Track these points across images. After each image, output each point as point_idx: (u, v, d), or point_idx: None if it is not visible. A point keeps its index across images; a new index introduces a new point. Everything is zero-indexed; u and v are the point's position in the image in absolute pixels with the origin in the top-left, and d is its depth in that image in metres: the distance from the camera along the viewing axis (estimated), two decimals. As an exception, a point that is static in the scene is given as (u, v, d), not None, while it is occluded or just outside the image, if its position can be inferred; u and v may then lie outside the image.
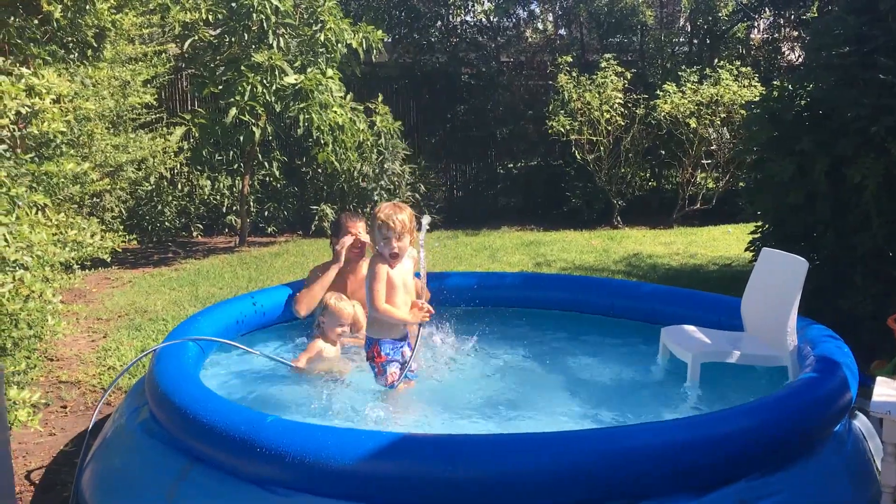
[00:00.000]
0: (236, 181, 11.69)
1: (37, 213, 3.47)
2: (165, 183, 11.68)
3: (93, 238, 6.49)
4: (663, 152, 12.70)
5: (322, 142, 9.76)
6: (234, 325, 4.88)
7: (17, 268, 3.13)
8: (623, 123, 11.83)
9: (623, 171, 12.31)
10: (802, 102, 5.70)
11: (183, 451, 3.22)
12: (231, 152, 11.16)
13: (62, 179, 4.87)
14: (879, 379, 3.66)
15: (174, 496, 3.12)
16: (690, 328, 4.45)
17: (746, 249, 6.38)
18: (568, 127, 11.69)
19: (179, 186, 11.93)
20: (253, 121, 9.10)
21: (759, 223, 6.33)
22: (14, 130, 3.42)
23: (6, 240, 2.73)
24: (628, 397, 4.18)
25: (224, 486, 3.02)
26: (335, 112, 9.67)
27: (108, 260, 5.79)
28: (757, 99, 8.20)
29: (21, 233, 3.06)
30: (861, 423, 3.71)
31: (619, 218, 12.52)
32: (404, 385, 4.27)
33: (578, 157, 11.98)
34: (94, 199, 7.58)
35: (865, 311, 5.37)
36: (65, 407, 5.10)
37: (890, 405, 3.30)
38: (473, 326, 5.18)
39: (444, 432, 3.52)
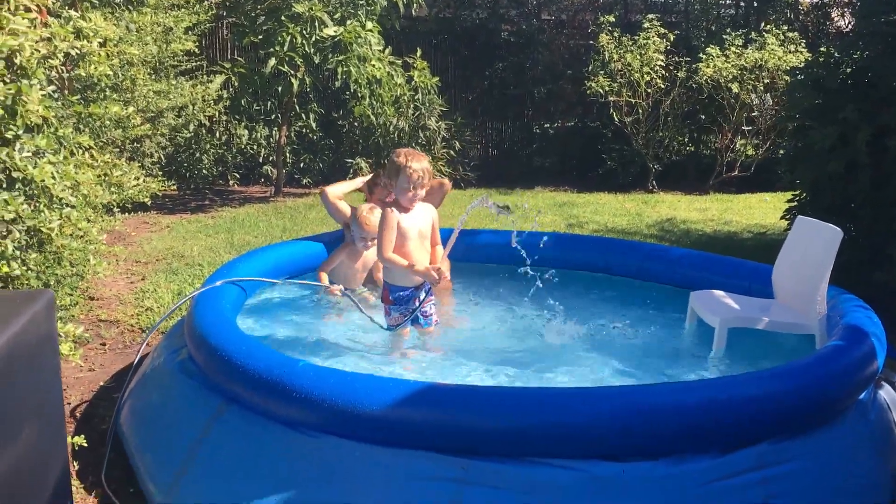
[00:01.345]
0: (273, 131, 11.76)
1: (83, 154, 3.55)
2: (204, 131, 11.79)
3: (136, 181, 6.64)
4: (703, 117, 12.52)
5: (359, 95, 9.78)
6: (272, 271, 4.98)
7: (64, 206, 3.23)
8: (663, 86, 11.67)
9: (661, 134, 12.17)
10: (848, 70, 5.60)
11: (218, 392, 3.33)
12: (269, 103, 11.23)
13: (106, 122, 4.96)
14: (903, 350, 3.67)
15: (208, 434, 3.24)
16: (719, 293, 4.46)
17: (782, 218, 6.33)
18: (607, 88, 11.57)
19: (217, 135, 12.03)
20: (292, 72, 9.14)
21: (797, 192, 6.27)
22: (62, 72, 3.49)
23: (54, 177, 2.81)
24: (654, 359, 4.21)
25: (255, 426, 3.13)
26: (373, 66, 9.66)
27: (148, 204, 5.90)
28: (802, 65, 8.06)
29: (67, 172, 3.14)
30: (887, 393, 3.72)
31: (654, 182, 12.41)
32: (428, 330, 4.38)
33: (616, 119, 11.87)
34: (135, 145, 7.68)
35: (900, 284, 5.33)
36: (104, 344, 5.26)
37: (910, 376, 3.32)
38: (502, 284, 5.25)
39: (464, 382, 3.60)
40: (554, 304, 4.74)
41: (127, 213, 8.73)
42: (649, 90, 11.66)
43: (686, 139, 13.31)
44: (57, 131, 3.15)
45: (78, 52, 3.22)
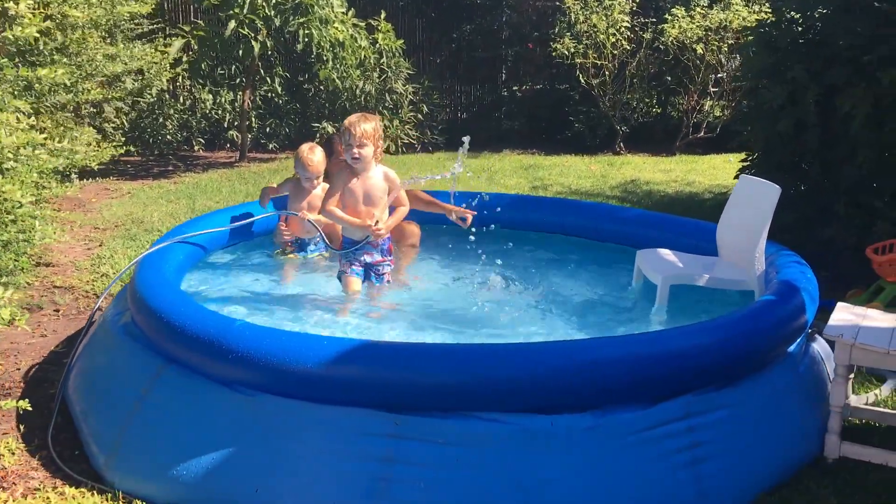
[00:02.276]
0: (238, 96, 11.66)
1: (28, 118, 3.52)
2: (167, 96, 11.67)
3: (88, 147, 6.58)
4: (669, 79, 12.54)
5: (323, 58, 9.70)
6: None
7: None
8: (629, 48, 11.67)
9: (628, 96, 12.19)
10: (799, 29, 5.64)
11: (157, 353, 3.36)
12: (234, 66, 11.11)
13: (52, 86, 4.90)
14: (840, 305, 3.75)
15: (148, 395, 3.27)
16: (665, 252, 4.52)
17: (735, 177, 6.39)
18: (572, 50, 11.54)
19: (181, 100, 11.91)
20: (252, 34, 9.04)
21: (751, 152, 6.34)
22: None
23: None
24: (598, 316, 4.30)
25: (194, 386, 3.17)
26: (336, 28, 9.58)
27: (96, 169, 5.84)
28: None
29: (-1, 137, 3.12)
30: (820, 346, 3.81)
31: (621, 144, 12.46)
32: (376, 290, 4.51)
33: (582, 81, 11.87)
34: (92, 110, 7.60)
35: (847, 241, 5.42)
36: (57, 311, 5.26)
37: (843, 328, 3.41)
38: (461, 244, 5.29)
39: (407, 340, 3.65)
40: (499, 264, 4.81)
41: (86, 179, 8.67)
42: (615, 52, 11.66)
43: (654, 101, 13.35)
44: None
45: (3, 13, 3.18)
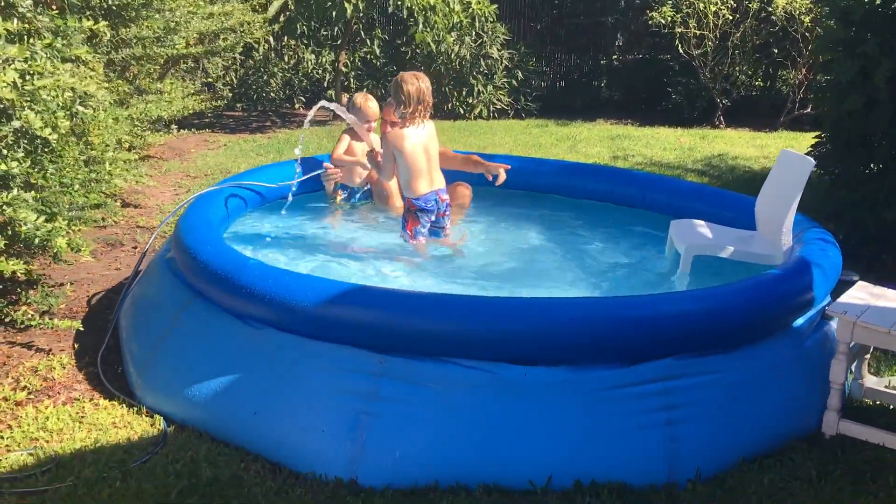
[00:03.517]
0: (339, 56, 12.03)
1: (85, 67, 3.88)
2: (273, 55, 12.18)
3: (185, 99, 7.05)
4: (776, 51, 12.06)
5: (416, 21, 9.87)
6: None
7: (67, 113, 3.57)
8: (731, 17, 11.28)
9: (729, 69, 11.81)
10: (877, 1, 5.39)
11: (187, 286, 3.68)
12: (336, 28, 11.45)
13: (137, 40, 5.32)
14: (859, 283, 3.69)
15: (177, 322, 3.60)
16: (700, 223, 4.51)
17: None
18: (670, 19, 11.27)
19: (286, 59, 12.39)
20: (345, -4, 9.33)
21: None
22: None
23: (16, 84, 3.09)
24: (622, 280, 4.36)
25: (214, 317, 3.47)
26: (428, -9, 9.72)
27: (202, 120, 6.20)
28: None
29: (60, 82, 3.47)
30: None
31: (721, 118, 12.10)
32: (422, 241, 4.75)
33: (681, 50, 11.58)
34: (192, 65, 8.09)
35: (910, 225, 5.22)
36: (135, 248, 5.74)
37: (847, 306, 3.37)
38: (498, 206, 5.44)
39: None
40: (543, 225, 4.92)
41: (190, 130, 9.26)
42: (716, 21, 11.30)
43: (758, 74, 12.86)
44: (50, 43, 3.46)
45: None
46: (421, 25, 9.78)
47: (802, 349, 3.47)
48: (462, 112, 12.02)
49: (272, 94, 12.13)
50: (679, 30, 11.42)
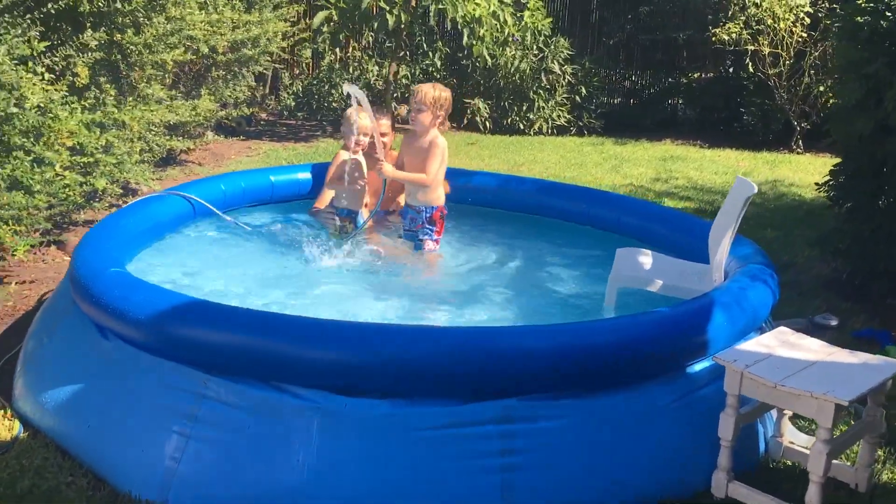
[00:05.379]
0: (400, 68, 12.01)
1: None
2: (338, 65, 12.29)
3: (208, 107, 7.18)
4: (863, 72, 11.17)
5: (460, 34, 9.70)
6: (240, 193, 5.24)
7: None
8: (805, 36, 10.53)
9: (806, 89, 11.02)
10: (889, 15, 4.82)
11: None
12: (394, 40, 11.43)
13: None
14: (778, 329, 3.26)
15: (56, 327, 3.59)
16: (645, 252, 4.13)
17: (824, 184, 5.61)
18: (738, 35, 10.62)
19: (350, 69, 12.48)
20: (387, 8, 9.26)
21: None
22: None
23: None
24: (551, 307, 4.07)
25: (81, 326, 3.39)
26: (476, 4, 9.54)
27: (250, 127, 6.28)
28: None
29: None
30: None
31: (799, 141, 11.31)
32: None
33: (751, 69, 10.91)
34: (221, 72, 8.23)
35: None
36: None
37: (741, 353, 2.98)
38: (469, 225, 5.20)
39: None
40: (501, 245, 4.71)
41: (235, 137, 9.49)
42: (790, 40, 10.58)
43: (844, 96, 11.92)
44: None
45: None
46: (465, 38, 9.59)
47: (693, 398, 3.07)
48: (522, 128, 11.74)
49: (334, 103, 12.23)
50: (750, 47, 10.76)
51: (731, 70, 12.52)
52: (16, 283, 4.91)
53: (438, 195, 4.77)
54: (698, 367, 3.14)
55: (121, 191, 6.32)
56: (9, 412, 3.45)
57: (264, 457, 2.80)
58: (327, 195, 5.09)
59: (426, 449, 2.74)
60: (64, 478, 3.02)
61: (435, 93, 4.64)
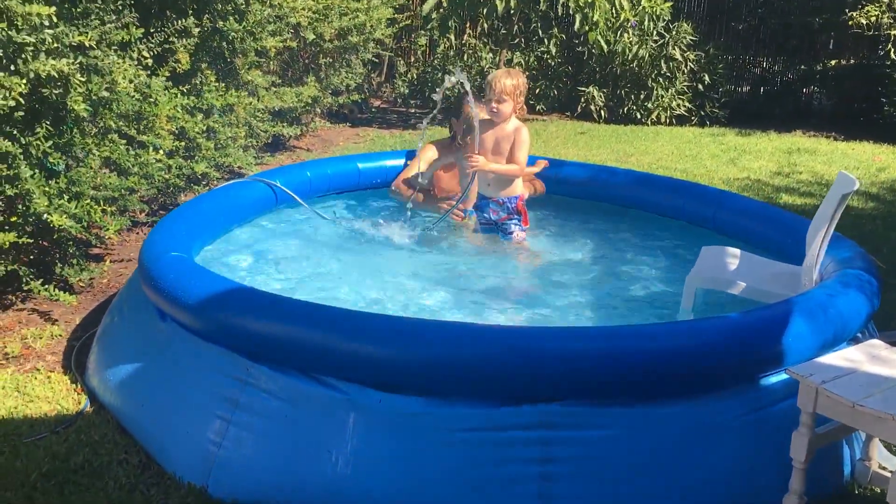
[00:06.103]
0: (514, 55, 11.82)
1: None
2: (452, 53, 12.23)
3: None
4: None
5: (591, 20, 9.40)
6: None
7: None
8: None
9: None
10: None
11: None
12: (514, 27, 11.25)
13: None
14: (870, 341, 2.93)
15: (125, 306, 3.67)
16: (733, 251, 3.83)
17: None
18: (878, 20, 9.81)
19: (465, 58, 12.39)
20: (496, -7, 9.10)
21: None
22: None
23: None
24: (630, 306, 3.84)
25: (144, 307, 3.46)
26: (587, -13, 9.24)
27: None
28: None
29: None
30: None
31: (952, 134, 10.35)
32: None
33: (893, 55, 10.06)
34: (327, 60, 8.32)
35: None
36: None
37: (819, 367, 2.67)
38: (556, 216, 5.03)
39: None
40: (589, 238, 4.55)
41: (341, 123, 9.64)
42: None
43: None
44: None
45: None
46: (577, 24, 9.29)
47: (765, 414, 2.79)
48: (639, 117, 11.30)
49: (446, 91, 12.18)
50: (893, 32, 9.93)
51: (877, 56, 11.57)
52: (111, 260, 5.10)
53: (518, 184, 4.61)
54: (774, 379, 2.85)
55: (227, 175, 6.48)
56: (79, 386, 3.57)
57: (300, 447, 2.75)
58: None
59: (461, 451, 2.61)
60: (118, 455, 3.08)
61: (513, 81, 4.51)
